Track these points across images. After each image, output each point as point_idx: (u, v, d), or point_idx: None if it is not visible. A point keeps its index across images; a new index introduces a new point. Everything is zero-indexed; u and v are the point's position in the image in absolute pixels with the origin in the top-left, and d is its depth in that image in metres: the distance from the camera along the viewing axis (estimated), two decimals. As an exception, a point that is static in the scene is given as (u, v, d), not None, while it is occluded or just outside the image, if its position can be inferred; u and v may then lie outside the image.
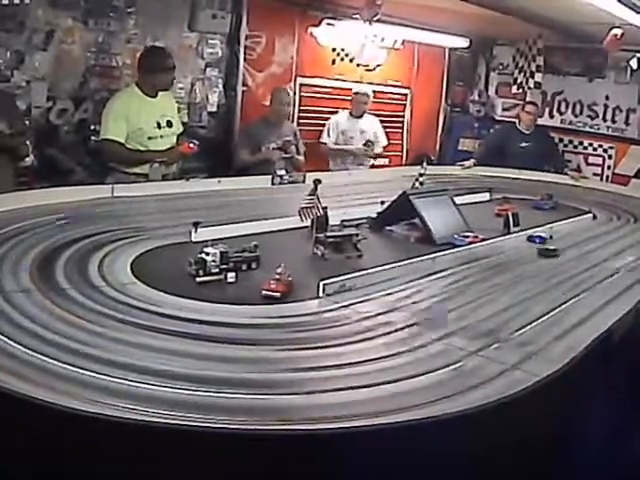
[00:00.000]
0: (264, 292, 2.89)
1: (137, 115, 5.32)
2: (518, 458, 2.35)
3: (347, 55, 8.02)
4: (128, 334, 2.40)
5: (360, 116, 7.84)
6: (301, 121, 7.50)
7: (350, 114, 7.84)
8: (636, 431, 3.26)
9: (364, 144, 7.68)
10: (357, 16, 6.79)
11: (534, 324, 2.83)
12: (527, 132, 8.33)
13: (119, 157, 5.34)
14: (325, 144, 7.71)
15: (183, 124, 5.90)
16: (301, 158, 6.83)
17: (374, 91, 8.03)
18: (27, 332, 2.32)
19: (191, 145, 5.60)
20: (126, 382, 2.02)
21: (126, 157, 5.33)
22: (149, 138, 5.37)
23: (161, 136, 5.45)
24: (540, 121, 8.84)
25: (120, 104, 5.38)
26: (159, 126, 5.43)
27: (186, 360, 2.22)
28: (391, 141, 8.31)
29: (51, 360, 2.11)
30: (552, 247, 4.27)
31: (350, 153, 7.69)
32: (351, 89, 7.99)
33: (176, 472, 1.90)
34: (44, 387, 1.94)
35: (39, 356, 2.13)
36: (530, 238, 4.40)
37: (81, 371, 2.06)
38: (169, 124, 5.54)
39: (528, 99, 8.87)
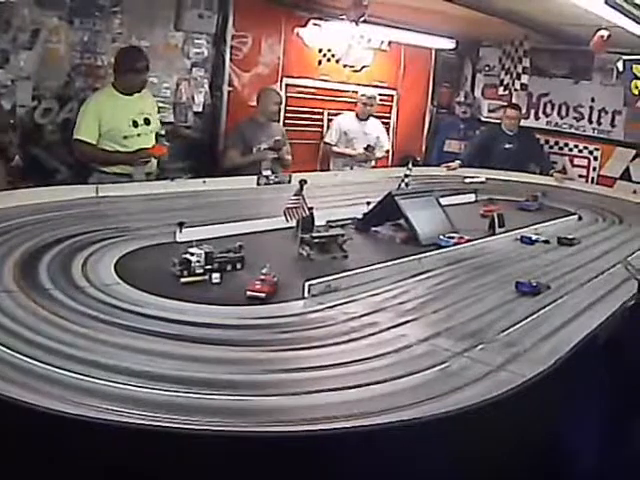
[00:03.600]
0: (249, 293, 2.88)
1: (111, 115, 5.30)
2: (504, 459, 2.35)
3: (333, 56, 8.01)
4: (111, 335, 2.39)
5: (366, 119, 7.88)
6: (287, 121, 7.47)
7: (356, 116, 7.88)
8: (622, 432, 3.26)
9: (365, 148, 7.71)
10: (344, 17, 6.79)
11: (520, 325, 2.83)
12: (511, 134, 8.36)
13: (88, 157, 5.35)
14: (329, 144, 7.76)
15: (169, 123, 5.88)
16: (289, 157, 6.83)
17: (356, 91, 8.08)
18: (9, 333, 2.30)
19: (162, 147, 5.58)
20: (110, 383, 2.01)
21: (95, 157, 5.32)
22: (125, 137, 5.35)
23: (138, 134, 5.43)
24: (526, 123, 8.87)
25: (94, 105, 5.34)
26: (136, 125, 5.40)
27: (170, 361, 2.21)
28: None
29: (33, 361, 2.09)
30: (571, 236, 4.46)
31: (351, 157, 7.71)
32: (337, 90, 8.02)
33: (161, 474, 1.89)
34: (27, 388, 1.92)
35: (21, 357, 2.11)
36: (523, 239, 4.45)
37: (64, 372, 2.04)
38: (147, 122, 5.51)
39: (512, 102, 8.89)
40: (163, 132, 5.75)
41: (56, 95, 5.69)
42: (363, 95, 7.87)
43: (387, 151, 8.23)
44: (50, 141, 5.70)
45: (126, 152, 5.35)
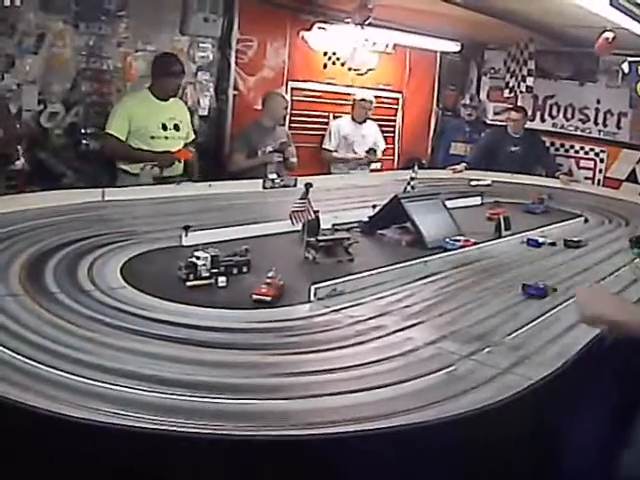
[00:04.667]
0: (255, 296, 2.88)
1: (143, 115, 5.51)
2: (511, 462, 2.34)
3: (338, 59, 8.00)
4: (118, 339, 2.39)
5: (362, 122, 7.85)
6: (293, 125, 7.47)
7: (352, 119, 7.86)
8: (627, 437, 3.24)
9: (367, 151, 7.69)
10: (349, 20, 6.80)
11: (526, 328, 2.83)
12: (517, 136, 8.34)
13: (115, 152, 5.57)
14: (328, 150, 7.72)
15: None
16: (294, 160, 6.83)
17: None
18: (15, 336, 2.30)
19: (188, 151, 5.69)
20: (115, 387, 2.01)
21: (121, 153, 5.53)
22: (152, 137, 5.53)
23: (166, 137, 5.61)
24: (532, 125, 8.86)
25: (127, 103, 5.61)
26: (165, 128, 5.58)
27: (176, 365, 2.21)
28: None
29: (39, 365, 2.09)
30: (577, 239, 4.44)
31: (354, 161, 7.69)
32: (343, 93, 8.01)
33: (166, 477, 1.89)
34: (32, 392, 1.92)
35: (27, 361, 2.11)
36: (529, 241, 4.43)
37: (69, 376, 2.04)
38: (176, 127, 5.70)
39: (517, 104, 8.89)
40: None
41: (62, 99, 5.70)
42: (362, 99, 7.83)
43: (383, 152, 8.19)
44: (56, 145, 5.71)
45: (152, 151, 5.51)
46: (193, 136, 6.02)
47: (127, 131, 5.45)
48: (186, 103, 6.56)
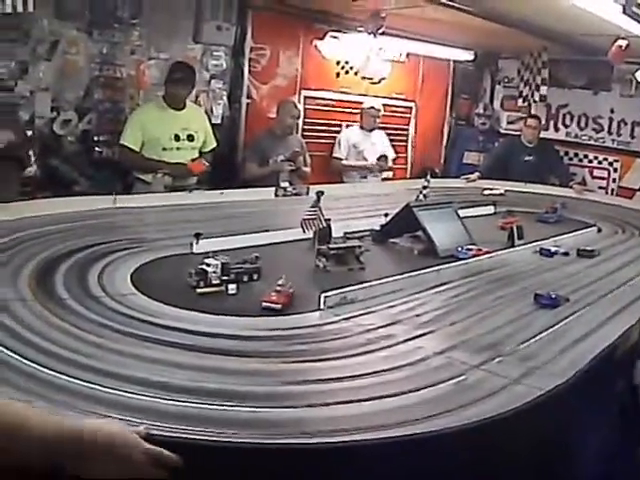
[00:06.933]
0: (265, 304, 2.87)
1: (155, 126, 5.56)
2: (521, 473, 2.33)
3: (352, 68, 8.01)
4: (127, 345, 2.38)
5: (371, 130, 7.84)
6: (306, 133, 7.49)
7: (361, 128, 7.85)
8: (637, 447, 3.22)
9: (378, 159, 7.68)
10: (362, 29, 6.80)
11: (537, 338, 2.81)
12: (531, 145, 8.33)
13: (130, 162, 5.65)
14: (339, 159, 7.70)
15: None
16: (307, 169, 6.83)
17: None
18: (24, 342, 2.30)
19: (201, 164, 5.70)
20: (124, 394, 2.00)
21: (136, 163, 5.60)
22: (164, 149, 5.56)
23: (178, 148, 5.64)
24: (545, 134, 8.84)
25: (140, 114, 5.68)
26: (177, 138, 5.60)
27: (185, 372, 2.20)
28: (396, 154, 8.30)
29: (48, 370, 2.08)
30: (590, 248, 4.42)
31: (365, 168, 7.68)
32: (356, 102, 8.01)
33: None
34: (40, 397, 1.91)
35: (35, 366, 2.10)
36: (542, 251, 4.41)
37: (78, 382, 2.03)
38: (190, 138, 5.71)
39: (532, 112, 8.87)
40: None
41: (75, 106, 5.73)
42: (371, 108, 7.84)
43: (393, 160, 8.18)
44: (69, 152, 5.74)
45: (167, 162, 5.55)
46: (214, 144, 6.05)
47: (141, 142, 5.50)
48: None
